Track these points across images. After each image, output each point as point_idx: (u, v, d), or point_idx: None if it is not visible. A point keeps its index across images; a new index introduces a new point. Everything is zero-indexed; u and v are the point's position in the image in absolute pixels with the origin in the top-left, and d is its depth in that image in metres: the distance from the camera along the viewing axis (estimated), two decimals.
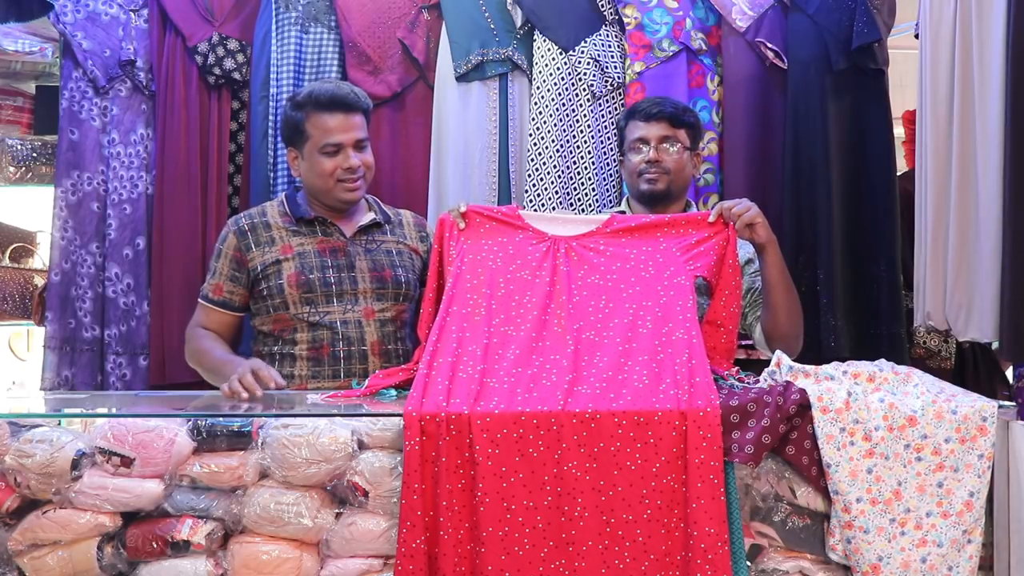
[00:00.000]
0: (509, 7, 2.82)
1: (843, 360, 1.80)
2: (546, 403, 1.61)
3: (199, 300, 2.29)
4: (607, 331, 1.81)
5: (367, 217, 2.32)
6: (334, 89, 2.29)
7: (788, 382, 1.69)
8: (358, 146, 2.25)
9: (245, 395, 1.87)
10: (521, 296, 1.89)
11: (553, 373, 1.71)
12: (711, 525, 1.55)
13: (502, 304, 1.87)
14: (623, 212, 2.40)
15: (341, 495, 1.64)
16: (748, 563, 1.60)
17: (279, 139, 2.66)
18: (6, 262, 3.05)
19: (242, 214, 2.34)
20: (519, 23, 2.83)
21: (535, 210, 2.64)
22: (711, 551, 1.54)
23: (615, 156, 2.77)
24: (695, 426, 1.58)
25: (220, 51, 2.85)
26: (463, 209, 2.02)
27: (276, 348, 2.23)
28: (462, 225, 2.00)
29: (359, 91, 2.34)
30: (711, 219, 1.98)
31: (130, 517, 1.64)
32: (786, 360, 1.77)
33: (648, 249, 1.96)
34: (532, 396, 1.64)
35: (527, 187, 2.74)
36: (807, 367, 1.75)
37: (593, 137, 2.78)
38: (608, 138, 2.80)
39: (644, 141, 2.34)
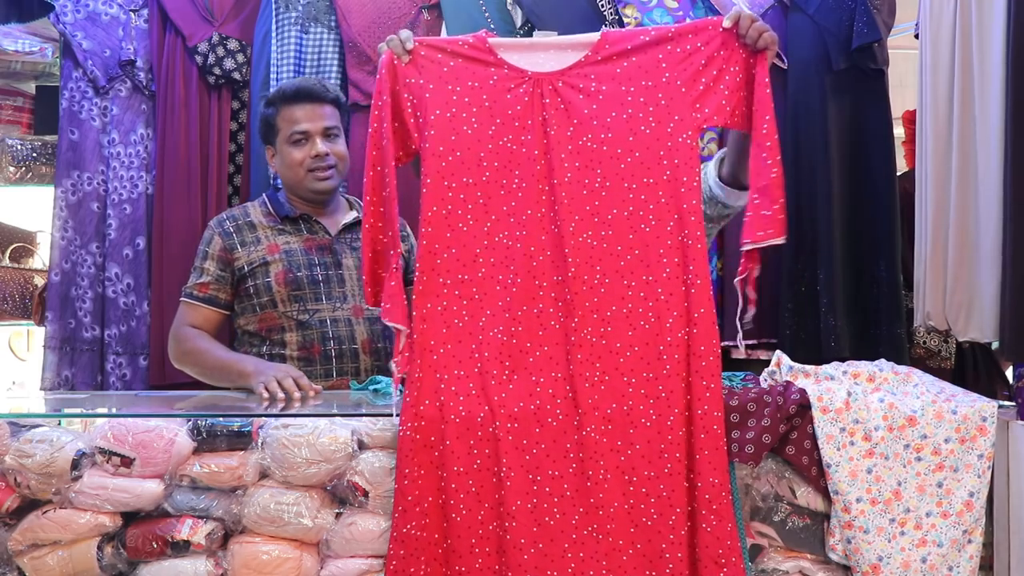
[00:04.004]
0: (509, 7, 2.82)
1: (843, 360, 1.80)
2: (558, 366, 1.59)
3: (183, 299, 2.26)
4: (605, 229, 1.63)
5: (350, 215, 2.32)
6: (300, 82, 2.35)
7: (788, 382, 1.69)
8: (326, 134, 2.26)
9: (282, 396, 1.87)
10: (510, 179, 1.64)
11: (560, 310, 1.61)
12: (715, 475, 1.55)
13: (490, 194, 1.64)
14: None
15: (341, 495, 1.64)
16: (749, 563, 1.60)
17: None
18: (6, 262, 3.05)
19: (224, 215, 2.33)
20: (519, 23, 2.83)
21: None
22: (715, 501, 1.54)
23: None
24: (698, 377, 1.58)
25: (220, 51, 2.85)
26: (411, 44, 1.66)
27: (264, 349, 2.21)
28: (405, 60, 1.66)
29: (330, 85, 2.38)
30: (726, 24, 1.65)
31: (130, 517, 1.64)
32: (786, 360, 1.77)
33: (648, 85, 1.65)
34: (543, 352, 1.60)
35: None
36: (807, 367, 1.75)
37: None
38: None
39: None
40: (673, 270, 1.61)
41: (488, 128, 1.65)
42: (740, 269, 1.65)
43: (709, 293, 1.61)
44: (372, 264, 1.70)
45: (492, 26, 2.82)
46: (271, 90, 2.71)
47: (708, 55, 1.66)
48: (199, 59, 2.83)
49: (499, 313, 1.61)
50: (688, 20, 2.77)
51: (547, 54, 1.68)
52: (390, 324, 1.62)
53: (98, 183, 2.83)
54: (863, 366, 1.76)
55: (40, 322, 2.91)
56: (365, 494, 1.61)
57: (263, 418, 1.69)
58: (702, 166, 1.96)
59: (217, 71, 2.85)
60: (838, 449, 1.61)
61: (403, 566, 1.55)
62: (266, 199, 2.34)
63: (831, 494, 1.61)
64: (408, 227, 2.39)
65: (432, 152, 1.64)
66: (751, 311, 1.65)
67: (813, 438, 1.62)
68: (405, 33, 1.69)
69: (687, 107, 1.65)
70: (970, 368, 2.94)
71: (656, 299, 1.62)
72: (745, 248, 1.64)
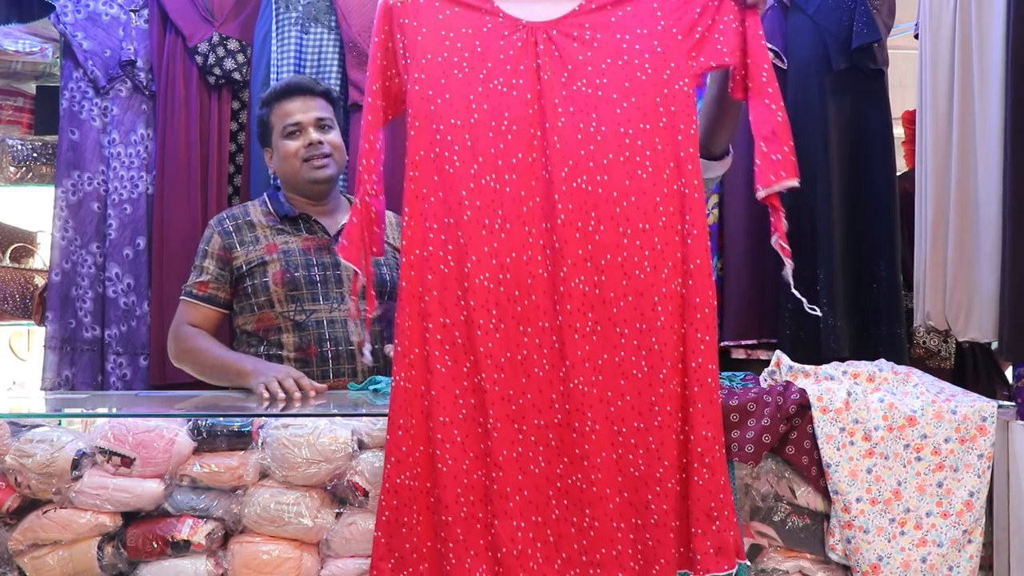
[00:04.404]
0: None
1: (843, 360, 1.80)
2: (545, 316, 1.57)
3: (183, 298, 2.26)
4: (599, 174, 1.59)
5: (349, 215, 2.32)
6: (290, 79, 2.39)
7: (788, 382, 1.69)
8: (319, 124, 2.27)
9: (282, 396, 1.87)
10: (498, 122, 1.60)
11: (548, 259, 1.57)
12: (708, 429, 1.53)
13: (477, 139, 1.60)
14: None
15: (341, 495, 1.64)
16: (748, 563, 1.61)
17: None
18: (6, 262, 3.05)
19: (224, 214, 2.33)
20: None
21: None
22: (708, 454, 1.53)
23: None
24: (693, 329, 1.56)
25: (220, 51, 2.85)
26: None
27: (262, 349, 2.21)
28: (399, 1, 1.65)
29: (320, 80, 2.41)
30: None
31: (130, 517, 1.64)
32: (786, 360, 1.77)
33: (643, 32, 1.63)
34: (532, 295, 1.57)
35: None
36: (807, 367, 1.75)
37: None
38: None
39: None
40: (669, 219, 1.59)
41: (479, 72, 1.62)
42: (771, 228, 1.63)
43: (706, 243, 1.58)
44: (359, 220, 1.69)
45: None
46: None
47: (703, 4, 1.65)
48: (199, 59, 2.84)
49: (486, 259, 1.57)
50: None
51: (543, 4, 1.66)
52: (343, 261, 1.62)
53: (98, 183, 2.83)
54: (863, 366, 1.76)
55: (40, 322, 2.91)
56: (365, 494, 1.62)
57: (263, 418, 1.69)
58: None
59: (217, 71, 2.85)
60: (838, 449, 1.61)
61: (396, 516, 1.54)
62: (266, 198, 2.34)
63: (831, 494, 1.61)
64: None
65: (421, 95, 1.62)
66: (790, 265, 1.62)
67: (813, 438, 1.62)
68: None
69: (683, 55, 1.63)
70: (970, 368, 2.94)
71: (652, 247, 1.58)
72: (761, 195, 1.63)
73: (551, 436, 1.55)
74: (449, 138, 1.60)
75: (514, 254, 1.58)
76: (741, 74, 1.68)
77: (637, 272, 1.58)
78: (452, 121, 1.60)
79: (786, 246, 1.62)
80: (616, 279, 1.57)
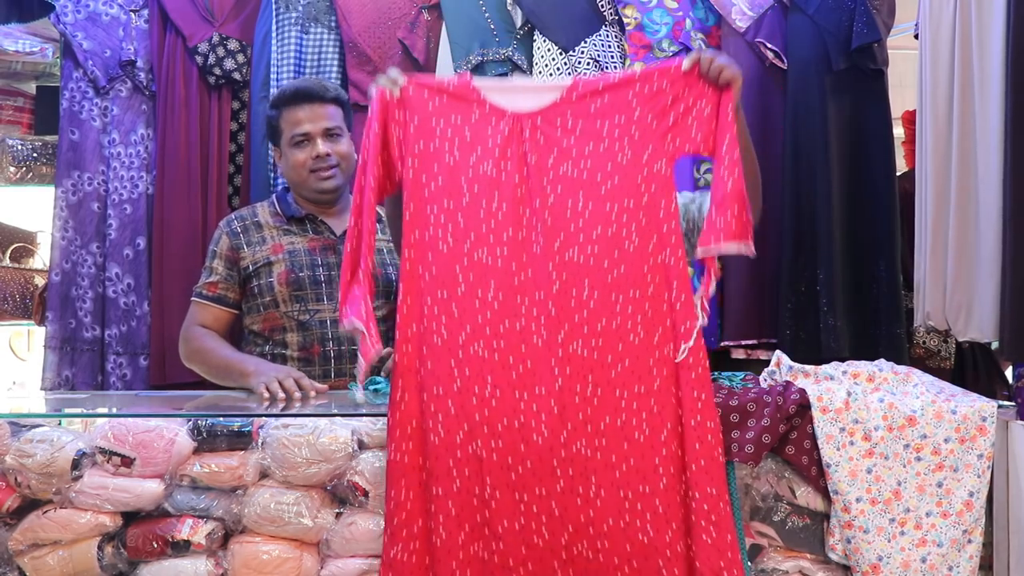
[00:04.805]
0: (509, 7, 2.82)
1: (843, 360, 1.80)
2: (543, 381, 1.57)
3: (193, 299, 2.28)
4: (590, 246, 1.65)
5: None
6: (301, 83, 2.38)
7: (788, 382, 1.69)
8: (327, 135, 2.27)
9: (282, 395, 1.88)
10: (489, 201, 1.67)
11: (543, 331, 1.60)
12: (712, 486, 1.54)
13: (470, 219, 1.66)
14: None
15: (341, 495, 1.64)
16: (748, 563, 1.61)
17: None
18: (6, 262, 3.05)
19: (233, 215, 2.35)
20: (519, 23, 2.83)
21: None
22: (714, 512, 1.53)
23: None
24: (688, 388, 1.57)
25: (220, 51, 2.85)
26: (402, 81, 1.74)
27: (267, 348, 2.23)
28: (396, 94, 1.72)
29: (330, 84, 2.39)
30: (685, 67, 1.72)
31: (130, 517, 1.64)
32: (786, 360, 1.77)
33: (621, 120, 1.71)
34: (527, 362, 1.58)
35: None
36: (807, 367, 1.75)
37: None
38: None
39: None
40: (656, 288, 1.64)
41: (469, 158, 1.70)
42: (703, 282, 1.69)
43: (693, 310, 1.63)
44: (349, 279, 1.71)
45: (492, 27, 2.82)
46: (271, 90, 2.72)
47: (675, 93, 1.72)
48: (199, 59, 2.84)
49: (480, 329, 1.61)
50: (688, 20, 2.77)
51: (526, 95, 1.75)
52: (350, 324, 1.62)
53: (98, 183, 2.83)
54: (863, 366, 1.76)
55: (40, 322, 2.91)
56: (365, 494, 1.62)
57: (263, 418, 1.69)
58: (699, 194, 2.01)
59: (217, 71, 2.85)
60: (838, 449, 1.61)
61: None
62: (275, 199, 2.36)
63: (831, 494, 1.61)
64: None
65: (415, 180, 1.69)
66: (702, 320, 1.65)
67: (813, 438, 1.62)
68: (395, 71, 1.76)
69: (659, 139, 1.71)
70: (970, 368, 2.94)
71: (643, 313, 1.62)
72: (699, 255, 1.66)
73: (554, 504, 1.54)
74: (442, 219, 1.67)
75: (507, 322, 1.61)
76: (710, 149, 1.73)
77: (631, 337, 1.62)
78: (445, 203, 1.67)
79: (707, 306, 1.67)
80: (612, 344, 1.61)
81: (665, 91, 1.72)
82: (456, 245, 1.65)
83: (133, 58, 2.83)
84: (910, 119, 2.90)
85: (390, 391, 1.62)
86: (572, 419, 1.55)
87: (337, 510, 1.64)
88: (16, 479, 1.64)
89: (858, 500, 1.60)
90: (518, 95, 1.74)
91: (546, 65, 2.77)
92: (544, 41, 2.78)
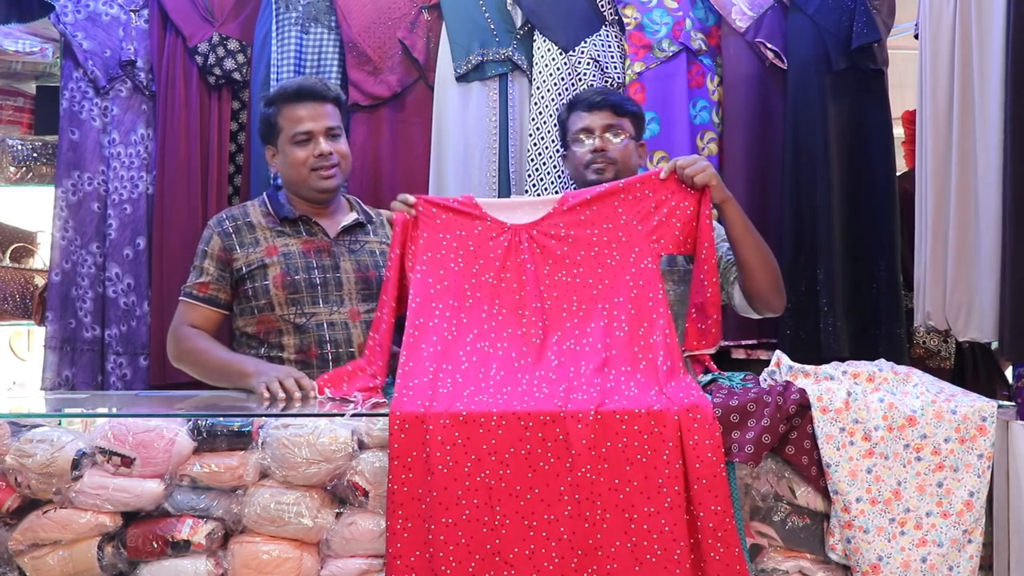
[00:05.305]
0: (509, 7, 2.82)
1: (843, 360, 1.80)
2: (547, 413, 1.61)
3: (182, 299, 2.25)
4: (585, 338, 1.83)
5: (350, 217, 2.31)
6: (302, 81, 2.37)
7: (788, 382, 1.69)
8: (329, 134, 2.25)
9: (283, 396, 1.87)
10: (491, 305, 1.88)
11: (544, 387, 1.71)
12: (716, 503, 1.55)
13: (472, 317, 1.85)
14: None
15: (341, 495, 1.64)
16: (750, 563, 1.60)
17: None
18: (6, 262, 3.05)
19: (224, 215, 2.31)
20: (519, 23, 2.83)
21: None
22: (720, 528, 1.55)
23: None
24: (687, 416, 1.59)
25: (220, 51, 2.85)
26: (412, 200, 1.98)
27: (263, 351, 2.20)
28: (412, 213, 1.96)
29: (330, 83, 2.38)
30: (662, 176, 1.94)
31: (130, 517, 1.64)
32: (786, 360, 1.77)
33: (609, 227, 1.93)
34: (531, 402, 1.64)
35: (527, 187, 2.74)
36: (807, 367, 1.75)
37: None
38: None
39: (588, 131, 2.28)
40: (648, 364, 1.79)
41: (472, 267, 1.92)
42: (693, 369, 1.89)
43: (682, 370, 1.78)
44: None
45: (492, 27, 2.82)
46: (271, 90, 2.72)
47: (657, 199, 1.94)
48: (199, 59, 2.84)
49: (483, 385, 1.73)
50: (688, 20, 2.77)
51: (523, 210, 1.98)
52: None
53: (98, 183, 2.83)
54: (863, 366, 1.76)
55: (40, 322, 2.91)
56: (365, 494, 1.62)
57: (263, 418, 1.69)
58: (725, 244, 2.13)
59: (217, 71, 2.85)
60: (838, 449, 1.61)
61: None
62: (266, 199, 2.32)
63: (831, 494, 1.61)
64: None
65: (422, 281, 1.90)
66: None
67: (813, 438, 1.62)
68: (404, 196, 1.99)
69: (644, 240, 1.92)
70: (970, 368, 2.95)
71: (635, 380, 1.75)
72: (687, 355, 1.89)
73: (563, 529, 1.57)
74: (447, 314, 1.87)
75: (508, 388, 1.72)
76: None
77: (630, 391, 1.72)
78: (450, 302, 1.88)
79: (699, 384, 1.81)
80: (617, 385, 1.73)
81: (648, 197, 1.94)
82: (459, 336, 1.84)
83: (133, 58, 2.83)
84: (910, 119, 2.90)
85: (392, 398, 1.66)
86: (576, 444, 1.58)
87: (337, 510, 1.64)
88: (16, 479, 1.64)
89: (858, 500, 1.60)
90: (515, 210, 1.98)
91: (546, 65, 2.77)
92: (544, 41, 2.79)
